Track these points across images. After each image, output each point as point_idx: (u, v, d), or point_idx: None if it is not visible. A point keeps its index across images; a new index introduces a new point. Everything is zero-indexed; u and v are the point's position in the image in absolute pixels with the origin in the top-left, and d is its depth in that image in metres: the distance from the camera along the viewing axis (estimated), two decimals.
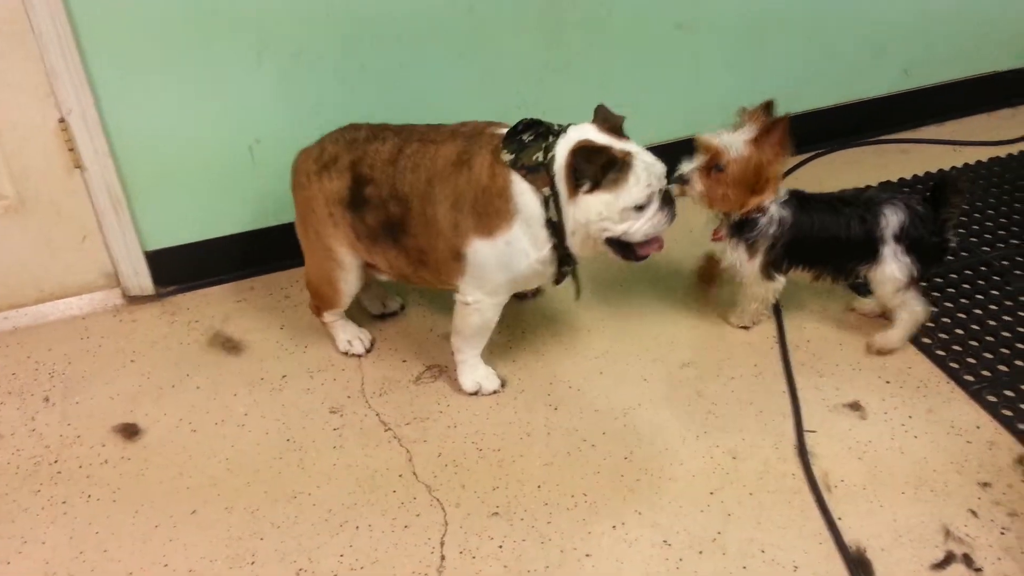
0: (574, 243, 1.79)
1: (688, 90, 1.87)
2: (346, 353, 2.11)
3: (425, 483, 1.78)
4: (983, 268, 2.33)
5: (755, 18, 2.57)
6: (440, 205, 1.78)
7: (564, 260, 1.82)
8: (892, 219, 1.90)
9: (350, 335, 2.11)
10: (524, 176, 1.72)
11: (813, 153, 2.84)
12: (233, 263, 2.38)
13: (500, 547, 1.65)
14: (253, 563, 1.64)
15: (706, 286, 2.25)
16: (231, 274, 2.38)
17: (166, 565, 1.64)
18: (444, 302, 1.89)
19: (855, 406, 1.93)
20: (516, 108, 2.42)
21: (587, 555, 1.63)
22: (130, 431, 1.92)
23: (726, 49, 2.60)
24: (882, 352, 2.04)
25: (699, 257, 2.24)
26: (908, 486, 1.74)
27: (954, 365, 2.02)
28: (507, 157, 1.73)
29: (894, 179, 2.71)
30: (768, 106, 1.86)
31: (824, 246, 1.95)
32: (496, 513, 1.72)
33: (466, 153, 1.78)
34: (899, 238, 1.90)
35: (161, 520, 1.72)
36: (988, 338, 2.09)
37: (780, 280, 2.00)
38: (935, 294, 2.23)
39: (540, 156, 1.72)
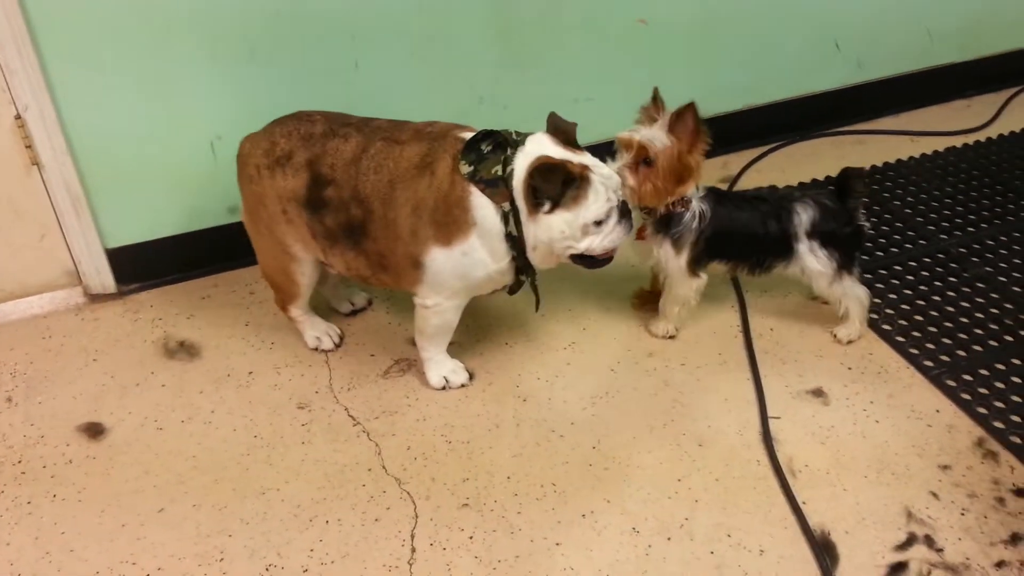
0: (534, 257, 1.78)
1: (645, 84, 1.89)
2: (316, 349, 2.10)
3: (395, 476, 1.78)
4: (940, 256, 2.37)
5: (711, 12, 2.59)
6: (401, 209, 1.75)
7: (522, 270, 1.82)
8: (803, 216, 1.96)
9: (319, 331, 2.10)
10: (483, 191, 1.70)
11: (773, 145, 2.87)
12: (197, 260, 2.36)
13: (471, 538, 1.66)
14: (222, 560, 1.63)
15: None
16: (195, 271, 2.36)
17: (134, 564, 1.62)
18: (410, 298, 1.89)
19: (818, 392, 1.96)
20: (478, 103, 2.44)
21: (557, 544, 1.64)
22: (95, 430, 1.90)
23: (682, 44, 2.62)
24: (852, 342, 2.08)
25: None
26: (870, 470, 1.78)
27: (914, 351, 2.06)
28: (466, 169, 1.71)
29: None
30: (656, 97, 1.88)
31: (743, 241, 1.99)
32: (466, 505, 1.72)
33: (430, 156, 1.75)
34: (811, 234, 1.96)
35: (128, 519, 1.71)
36: (946, 324, 2.13)
37: (703, 278, 2.03)
38: (894, 282, 2.27)
39: (499, 170, 1.70)
